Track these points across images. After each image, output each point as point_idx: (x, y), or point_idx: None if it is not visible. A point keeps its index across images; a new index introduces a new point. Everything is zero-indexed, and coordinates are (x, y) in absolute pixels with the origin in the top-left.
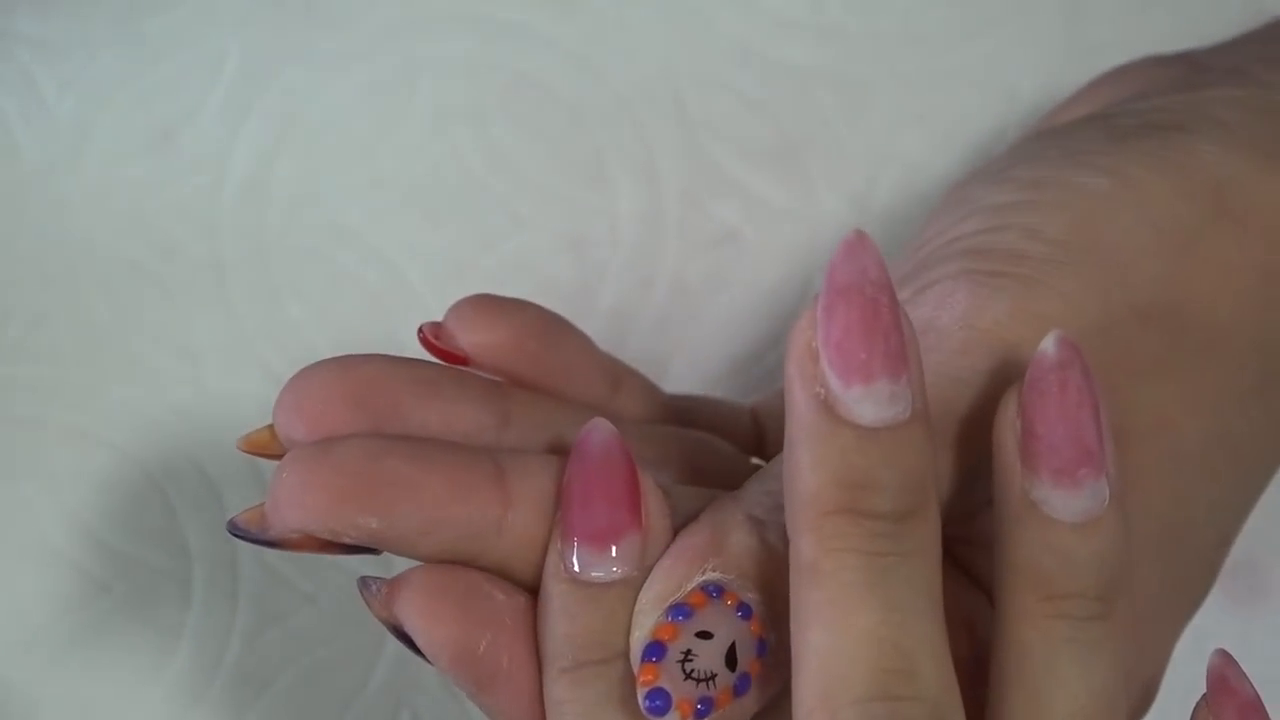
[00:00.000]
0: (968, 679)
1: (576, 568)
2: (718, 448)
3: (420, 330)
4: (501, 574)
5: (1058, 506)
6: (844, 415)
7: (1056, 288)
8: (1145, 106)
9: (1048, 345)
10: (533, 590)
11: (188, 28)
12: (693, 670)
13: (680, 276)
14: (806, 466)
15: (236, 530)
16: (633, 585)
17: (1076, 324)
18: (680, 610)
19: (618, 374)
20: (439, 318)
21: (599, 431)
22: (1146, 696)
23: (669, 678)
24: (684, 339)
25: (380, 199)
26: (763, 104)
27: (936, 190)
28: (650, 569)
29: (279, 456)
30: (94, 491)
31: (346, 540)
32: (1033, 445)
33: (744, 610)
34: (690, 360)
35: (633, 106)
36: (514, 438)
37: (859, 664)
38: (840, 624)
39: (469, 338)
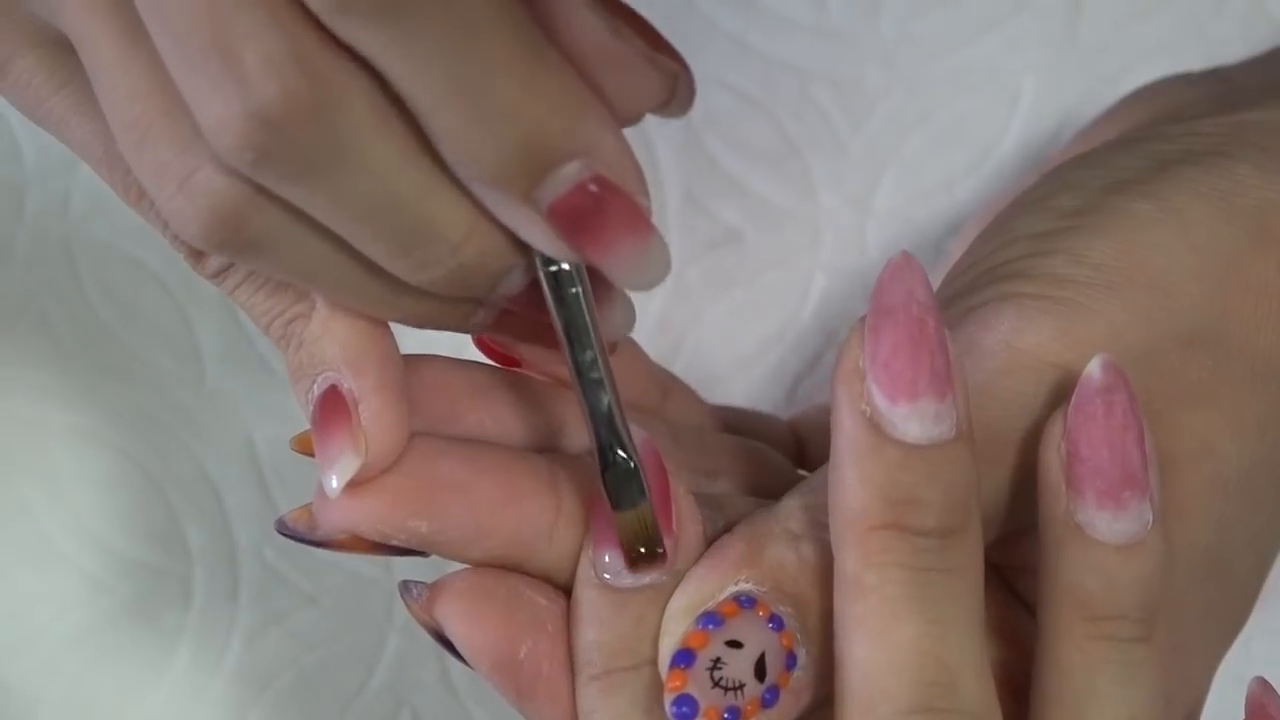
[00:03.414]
0: (1010, 693)
1: (607, 574)
2: (770, 458)
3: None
4: (549, 582)
5: (1101, 528)
6: (890, 433)
7: (1100, 312)
8: (1182, 130)
9: (1093, 369)
10: None
11: None
12: (721, 679)
13: (680, 276)
14: (852, 482)
15: (284, 529)
16: (662, 591)
17: (1119, 349)
18: (711, 619)
19: (666, 383)
20: None
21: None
22: None
23: (697, 685)
24: (684, 339)
25: None
26: (763, 104)
27: (937, 190)
28: (681, 575)
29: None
30: (94, 491)
31: (396, 543)
32: (1077, 468)
33: (776, 622)
34: (690, 360)
35: None
36: (568, 444)
37: (901, 676)
38: (883, 637)
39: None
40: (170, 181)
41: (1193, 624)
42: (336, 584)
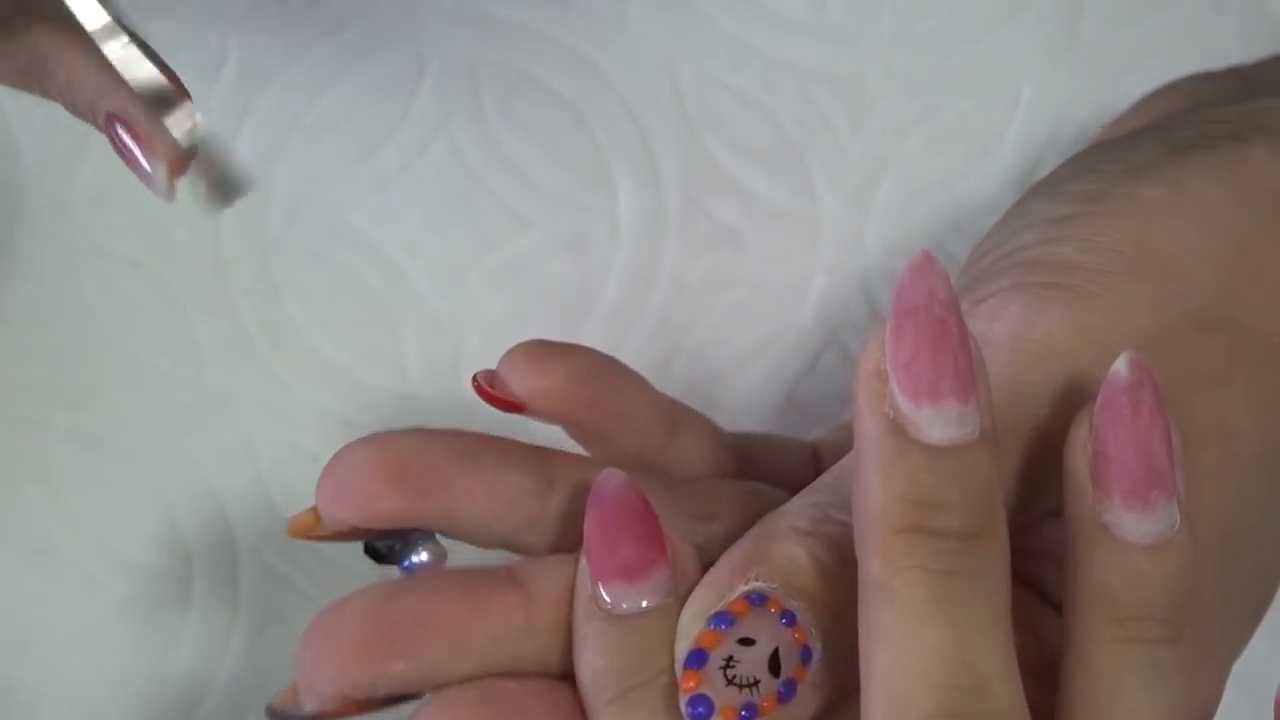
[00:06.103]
0: (1036, 687)
1: (608, 602)
2: (773, 497)
3: (474, 379)
4: (540, 670)
5: (1129, 529)
6: (913, 435)
7: (1109, 298)
8: (1199, 118)
9: (1120, 367)
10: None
11: (188, 28)
12: (735, 676)
13: (680, 276)
14: (875, 486)
15: (275, 715)
16: (669, 610)
17: (1128, 334)
18: (722, 619)
19: (676, 415)
20: (439, 317)
21: (613, 478)
22: (1205, 714)
23: (711, 684)
24: (684, 339)
25: (380, 199)
26: (763, 104)
27: (937, 190)
28: (684, 595)
29: (325, 539)
30: (94, 492)
31: (384, 692)
32: (1104, 468)
33: (788, 617)
34: (690, 360)
35: (633, 106)
36: (559, 502)
37: (927, 681)
38: (908, 641)
39: (524, 384)
40: None
41: (1208, 607)
42: (337, 584)
